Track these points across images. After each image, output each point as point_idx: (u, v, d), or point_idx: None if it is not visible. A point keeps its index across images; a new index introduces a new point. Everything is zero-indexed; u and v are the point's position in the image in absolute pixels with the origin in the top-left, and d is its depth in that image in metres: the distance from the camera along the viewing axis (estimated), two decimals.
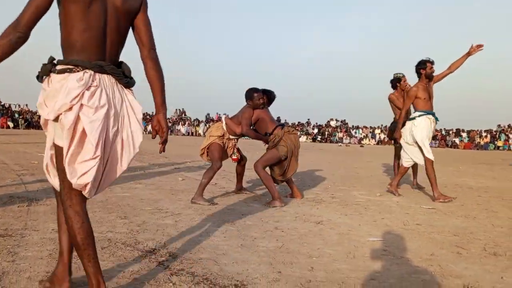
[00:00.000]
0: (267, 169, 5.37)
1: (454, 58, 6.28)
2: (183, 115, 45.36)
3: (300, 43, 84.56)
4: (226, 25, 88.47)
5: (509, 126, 39.31)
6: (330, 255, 3.10)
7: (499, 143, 36.40)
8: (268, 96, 5.54)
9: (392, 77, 7.35)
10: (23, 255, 2.78)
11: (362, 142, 38.50)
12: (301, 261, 2.92)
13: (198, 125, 42.74)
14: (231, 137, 5.46)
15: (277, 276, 2.60)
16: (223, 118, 5.52)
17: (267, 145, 5.48)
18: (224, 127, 5.41)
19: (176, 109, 45.77)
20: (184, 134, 41.19)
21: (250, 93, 5.35)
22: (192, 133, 41.91)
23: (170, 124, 42.34)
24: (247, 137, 5.66)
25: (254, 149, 12.99)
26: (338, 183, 7.57)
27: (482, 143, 36.92)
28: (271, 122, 5.45)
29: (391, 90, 7.37)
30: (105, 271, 2.51)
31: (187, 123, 43.09)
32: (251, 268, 2.73)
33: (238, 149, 5.62)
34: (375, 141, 38.84)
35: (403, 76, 7.24)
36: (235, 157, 5.54)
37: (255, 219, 4.23)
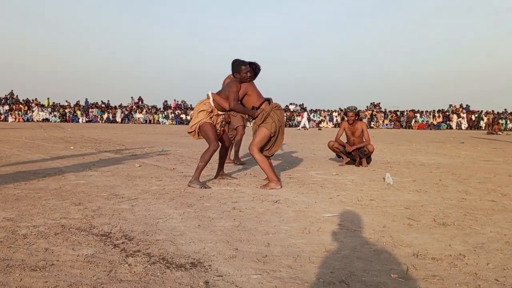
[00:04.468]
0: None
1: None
2: (140, 102, 44.62)
3: (254, 26, 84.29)
4: (180, 10, 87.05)
5: (460, 106, 40.73)
6: (286, 231, 3.16)
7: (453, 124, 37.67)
8: (254, 69, 5.28)
9: None
10: None
11: (320, 125, 39.01)
12: (258, 238, 2.96)
13: (156, 113, 42.13)
14: (219, 113, 5.31)
15: (233, 252, 2.63)
16: (209, 94, 5.28)
17: (253, 120, 5.34)
18: (212, 103, 5.22)
19: (132, 97, 45.00)
20: (142, 122, 40.52)
21: (238, 66, 5.15)
22: (150, 121, 41.31)
23: (127, 112, 41.64)
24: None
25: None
26: (295, 164, 7.67)
27: (435, 123, 38.10)
28: (258, 96, 5.28)
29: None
30: (58, 256, 2.48)
31: (144, 110, 42.42)
32: (208, 246, 2.75)
33: (223, 127, 5.47)
34: (333, 124, 39.42)
35: None
36: (219, 133, 5.34)
37: (213, 201, 4.24)
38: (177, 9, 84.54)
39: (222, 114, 5.38)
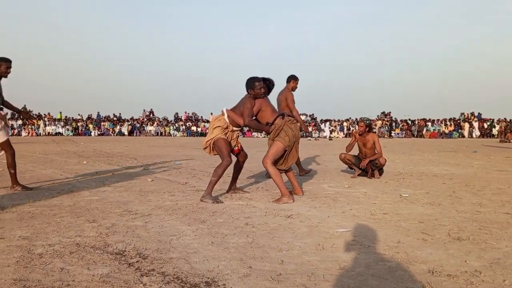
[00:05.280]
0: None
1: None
2: (151, 115, 44.94)
3: (258, 36, 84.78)
4: (186, 21, 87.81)
5: (472, 114, 40.43)
6: (300, 248, 3.15)
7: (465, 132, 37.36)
8: (267, 85, 5.36)
9: None
10: None
11: (331, 135, 38.94)
12: (271, 255, 2.96)
13: (167, 125, 42.37)
14: (234, 128, 5.37)
15: (247, 271, 2.63)
16: (224, 110, 5.35)
17: (268, 136, 5.37)
18: (226, 119, 5.29)
19: (144, 110, 45.36)
20: (153, 135, 40.75)
21: (251, 83, 5.20)
22: (162, 133, 41.53)
23: (138, 125, 41.93)
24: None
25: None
26: (307, 177, 7.66)
27: (446, 131, 37.83)
28: (272, 111, 5.32)
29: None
30: (74, 276, 2.50)
31: (155, 123, 42.69)
32: (222, 264, 2.75)
33: (239, 142, 5.52)
34: (343, 134, 39.32)
35: None
36: (236, 148, 5.43)
37: (226, 216, 4.25)
38: (186, 16, 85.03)
39: (237, 130, 5.43)
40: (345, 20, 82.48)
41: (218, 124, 5.29)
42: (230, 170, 5.89)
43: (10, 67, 5.69)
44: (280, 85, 7.15)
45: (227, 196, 5.48)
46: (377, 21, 78.52)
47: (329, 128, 39.55)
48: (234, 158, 5.49)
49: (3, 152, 5.88)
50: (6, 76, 5.73)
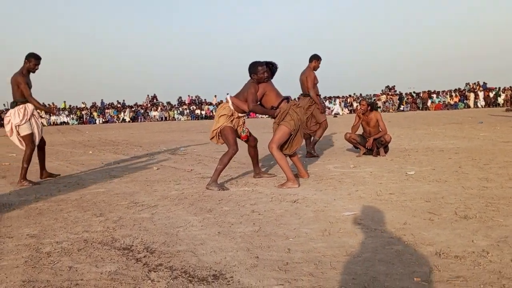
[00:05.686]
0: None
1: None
2: (155, 100, 44.88)
3: (259, 18, 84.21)
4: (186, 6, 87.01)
5: (477, 83, 40.06)
6: (307, 234, 3.16)
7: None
8: (270, 68, 5.29)
9: None
10: None
11: (341, 112, 38.71)
12: (278, 244, 2.97)
13: (171, 110, 42.32)
14: (240, 115, 5.36)
15: (254, 261, 2.64)
16: (228, 98, 5.36)
17: (274, 119, 5.33)
18: (231, 107, 5.28)
19: (148, 95, 45.28)
20: (158, 120, 40.75)
21: (254, 67, 5.16)
22: (166, 118, 41.52)
23: (142, 111, 41.90)
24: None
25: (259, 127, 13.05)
26: (313, 158, 7.64)
27: (452, 102, 37.55)
28: (277, 95, 5.28)
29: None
30: (82, 275, 2.52)
31: (159, 108, 42.65)
32: (229, 255, 2.76)
33: (246, 128, 5.51)
34: (348, 110, 39.13)
35: None
36: (244, 135, 5.44)
37: (232, 204, 4.26)
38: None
39: (243, 116, 5.40)
40: None
41: (223, 112, 5.28)
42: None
43: (39, 64, 5.96)
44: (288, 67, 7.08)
45: (233, 182, 5.48)
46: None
47: (339, 104, 39.12)
48: (244, 145, 5.46)
49: (24, 144, 5.94)
50: (34, 72, 5.98)
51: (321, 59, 7.85)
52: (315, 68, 7.81)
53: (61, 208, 4.41)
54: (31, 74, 6.00)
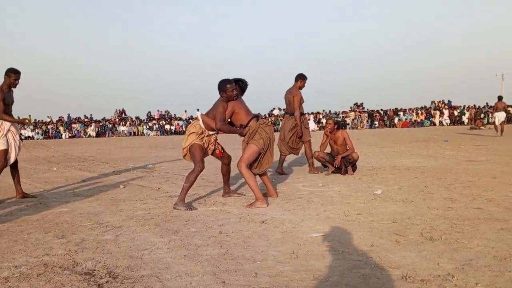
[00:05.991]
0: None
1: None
2: (123, 114, 44.31)
3: (231, 34, 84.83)
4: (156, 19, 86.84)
5: (442, 102, 41.14)
6: (274, 257, 3.12)
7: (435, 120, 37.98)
8: (240, 86, 5.28)
9: None
10: None
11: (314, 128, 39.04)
12: (245, 267, 2.92)
13: (140, 125, 41.84)
14: (210, 133, 5.29)
15: (221, 287, 2.58)
16: (198, 115, 5.32)
17: (243, 138, 5.29)
18: (201, 124, 5.22)
19: (116, 110, 44.69)
20: (126, 135, 40.20)
21: (223, 85, 5.10)
22: (135, 133, 41.00)
23: (110, 125, 41.29)
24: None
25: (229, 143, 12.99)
26: (282, 176, 7.64)
27: (418, 120, 38.41)
28: (246, 113, 5.23)
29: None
30: None
31: (128, 122, 42.12)
32: (195, 281, 2.70)
33: (219, 145, 5.46)
34: (318, 127, 39.52)
35: None
36: (218, 152, 5.38)
37: (200, 225, 4.19)
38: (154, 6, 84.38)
39: (214, 134, 5.35)
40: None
41: (193, 130, 5.23)
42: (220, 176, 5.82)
43: (18, 78, 5.92)
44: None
45: (201, 202, 5.41)
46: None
47: (313, 120, 39.32)
48: (213, 163, 5.42)
49: None
50: (15, 87, 5.96)
51: (306, 78, 7.96)
52: (301, 87, 7.93)
53: (21, 229, 4.25)
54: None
